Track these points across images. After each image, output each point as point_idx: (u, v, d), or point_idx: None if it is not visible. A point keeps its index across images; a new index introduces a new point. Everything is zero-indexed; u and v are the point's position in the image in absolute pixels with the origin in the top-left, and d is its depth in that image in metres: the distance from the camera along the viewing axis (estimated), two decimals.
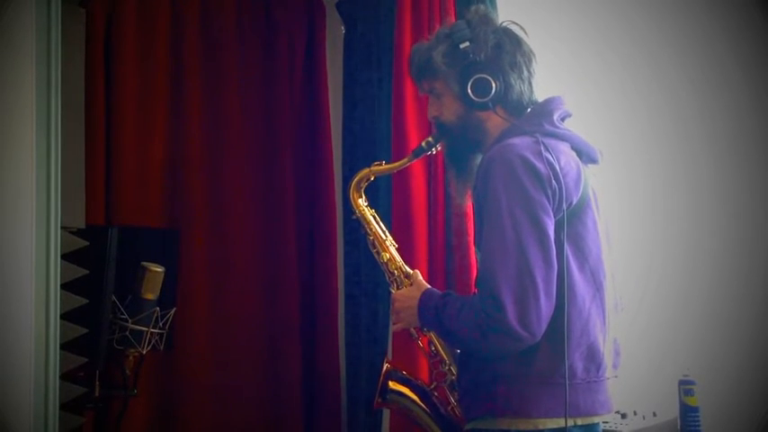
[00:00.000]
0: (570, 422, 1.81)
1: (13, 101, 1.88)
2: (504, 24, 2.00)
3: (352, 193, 2.21)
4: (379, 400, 2.15)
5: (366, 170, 2.21)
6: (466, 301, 1.85)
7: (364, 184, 2.22)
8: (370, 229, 2.21)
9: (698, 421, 2.37)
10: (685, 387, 2.39)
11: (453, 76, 1.96)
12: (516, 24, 2.00)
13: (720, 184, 2.52)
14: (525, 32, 2.01)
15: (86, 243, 2.43)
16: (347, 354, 3.39)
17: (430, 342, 2.10)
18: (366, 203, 2.23)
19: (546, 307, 1.75)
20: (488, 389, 1.86)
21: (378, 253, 2.20)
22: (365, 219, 2.21)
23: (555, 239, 1.79)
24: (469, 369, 1.93)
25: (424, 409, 2.11)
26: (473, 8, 2.07)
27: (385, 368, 2.15)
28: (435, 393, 2.11)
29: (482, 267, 1.84)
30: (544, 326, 1.75)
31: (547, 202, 1.78)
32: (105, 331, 2.53)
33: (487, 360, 1.85)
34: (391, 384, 2.14)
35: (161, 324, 2.66)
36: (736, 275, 2.47)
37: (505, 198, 1.78)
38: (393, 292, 2.12)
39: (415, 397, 2.12)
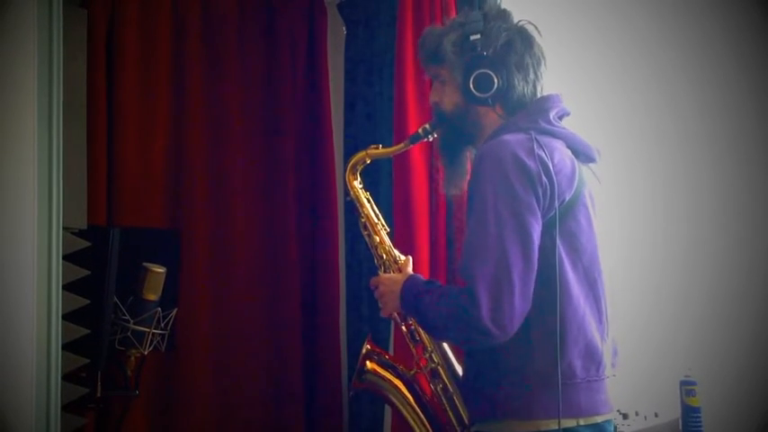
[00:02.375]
0: (572, 423, 1.80)
1: (14, 101, 1.88)
2: (521, 23, 1.97)
3: (348, 175, 2.22)
4: (356, 380, 2.14)
5: (362, 153, 2.21)
6: (445, 292, 1.85)
7: (360, 167, 2.23)
8: (363, 211, 2.21)
9: (699, 422, 2.37)
10: (687, 387, 2.39)
11: (458, 67, 1.94)
12: (532, 25, 1.98)
13: (720, 183, 2.52)
14: (540, 34, 1.98)
15: (88, 244, 2.43)
16: (349, 353, 3.39)
17: (414, 328, 2.09)
18: (361, 186, 2.23)
19: (520, 307, 1.73)
20: (490, 391, 1.85)
21: (369, 235, 2.20)
22: (359, 200, 2.21)
23: (547, 237, 1.78)
24: (473, 371, 1.93)
25: (402, 393, 2.09)
26: (491, 1, 2.05)
27: (365, 350, 2.15)
28: (416, 379, 2.09)
29: (462, 261, 1.82)
30: (517, 325, 1.74)
31: (535, 203, 1.77)
32: (107, 332, 2.53)
33: (490, 362, 1.84)
34: (369, 365, 2.13)
35: (162, 325, 2.66)
36: (736, 275, 2.47)
37: (492, 195, 1.76)
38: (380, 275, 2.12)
39: (394, 380, 2.11)
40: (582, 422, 1.82)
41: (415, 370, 2.10)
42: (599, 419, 1.86)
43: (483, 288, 1.72)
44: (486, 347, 1.80)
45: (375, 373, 2.13)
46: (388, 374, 2.13)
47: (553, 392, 1.79)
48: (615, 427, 1.96)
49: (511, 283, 1.72)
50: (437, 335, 2.00)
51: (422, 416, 2.07)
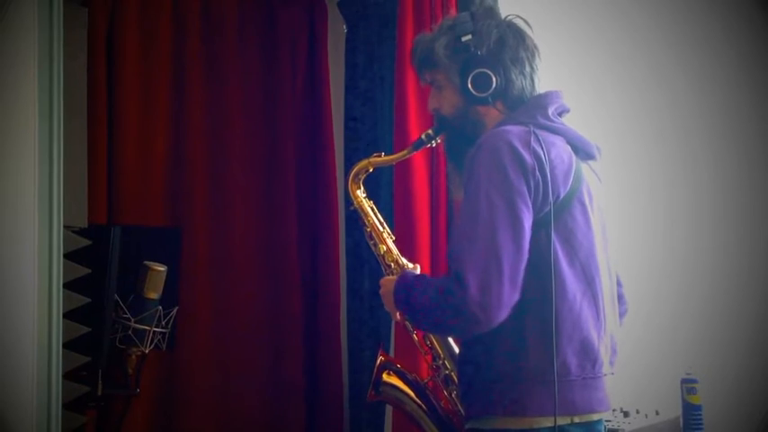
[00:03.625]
0: (567, 420, 1.78)
1: (15, 100, 1.88)
2: (509, 18, 1.97)
3: (351, 185, 2.21)
4: (373, 392, 2.13)
5: (365, 161, 2.20)
6: (434, 281, 1.84)
7: (363, 176, 2.21)
8: (368, 221, 2.20)
9: (700, 419, 2.37)
10: (688, 385, 2.38)
11: (454, 69, 1.94)
12: (521, 18, 1.97)
13: (720, 182, 2.52)
14: (530, 27, 1.98)
15: (89, 242, 2.43)
16: (349, 352, 3.39)
17: (425, 336, 2.09)
18: (364, 195, 2.22)
19: (509, 293, 1.71)
20: (485, 388, 1.84)
21: (375, 245, 2.19)
22: (363, 210, 2.20)
23: (543, 233, 1.77)
24: (469, 368, 1.91)
25: (417, 403, 2.09)
26: (478, 0, 2.05)
27: (379, 361, 2.14)
28: (429, 387, 2.10)
29: (452, 246, 1.81)
30: (505, 312, 1.72)
31: (527, 192, 1.75)
32: (108, 330, 2.54)
33: (484, 358, 1.83)
34: (385, 377, 2.13)
35: (163, 323, 2.67)
36: (737, 273, 2.47)
37: (486, 181, 1.75)
38: None
39: (409, 390, 2.11)
40: (576, 419, 1.81)
41: (429, 378, 2.11)
42: (595, 417, 1.85)
43: (471, 271, 1.70)
44: (471, 336, 1.78)
45: (391, 384, 2.13)
46: (403, 385, 2.13)
47: (547, 390, 1.77)
48: (605, 427, 1.95)
49: (500, 267, 1.70)
50: (426, 325, 1.96)
51: (437, 424, 2.07)
